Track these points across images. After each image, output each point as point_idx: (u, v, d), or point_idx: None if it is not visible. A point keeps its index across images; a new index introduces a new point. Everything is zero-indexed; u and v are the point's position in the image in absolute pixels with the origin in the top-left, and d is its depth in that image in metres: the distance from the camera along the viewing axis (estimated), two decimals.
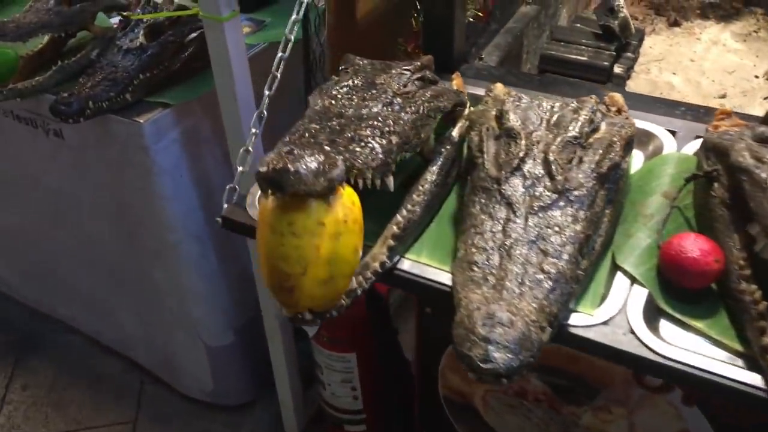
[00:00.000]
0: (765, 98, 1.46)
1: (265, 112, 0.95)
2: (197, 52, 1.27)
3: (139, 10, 1.28)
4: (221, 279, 1.40)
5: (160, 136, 1.22)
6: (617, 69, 1.52)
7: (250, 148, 0.95)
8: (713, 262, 0.76)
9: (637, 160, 0.97)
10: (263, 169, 0.63)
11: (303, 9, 0.96)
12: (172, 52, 1.27)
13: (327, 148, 0.73)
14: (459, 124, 0.94)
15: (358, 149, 0.74)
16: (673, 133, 0.99)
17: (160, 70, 1.25)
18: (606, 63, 1.51)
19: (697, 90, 1.54)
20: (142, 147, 1.21)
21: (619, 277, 0.81)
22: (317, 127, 0.78)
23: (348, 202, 0.69)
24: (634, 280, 0.80)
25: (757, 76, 1.53)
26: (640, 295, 0.79)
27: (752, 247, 0.75)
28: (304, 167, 0.63)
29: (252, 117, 0.96)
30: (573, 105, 0.88)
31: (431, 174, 0.87)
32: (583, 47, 1.54)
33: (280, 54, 0.95)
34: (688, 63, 1.62)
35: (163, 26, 1.28)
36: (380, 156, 0.75)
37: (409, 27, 1.16)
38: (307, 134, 0.76)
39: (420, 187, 0.85)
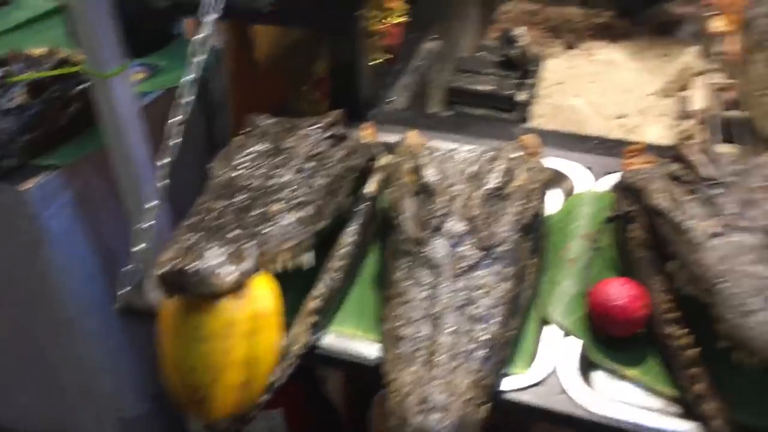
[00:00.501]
0: (660, 115, 1.50)
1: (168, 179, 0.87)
2: (85, 106, 1.17)
3: (13, 67, 1.17)
4: (129, 350, 1.30)
5: (49, 202, 1.12)
6: (521, 96, 1.53)
7: (148, 225, 0.87)
8: (640, 308, 0.76)
9: (554, 198, 0.97)
10: (161, 270, 0.56)
11: (200, 51, 0.89)
12: (57, 108, 1.17)
13: (234, 232, 0.66)
14: (373, 179, 0.91)
15: (268, 229, 0.69)
16: (588, 167, 0.99)
17: (44, 129, 1.15)
18: (510, 91, 1.52)
19: (598, 111, 1.57)
20: (29, 215, 1.10)
21: (550, 330, 0.79)
22: (221, 206, 0.71)
23: (262, 292, 0.64)
24: (565, 330, 0.79)
25: (651, 94, 1.57)
26: (572, 347, 0.77)
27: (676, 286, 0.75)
28: (208, 264, 0.57)
29: (150, 176, 0.88)
30: (489, 154, 0.86)
31: (349, 235, 0.83)
32: (488, 77, 1.54)
33: (178, 102, 0.87)
34: (588, 85, 1.66)
35: (45, 81, 1.18)
36: (294, 233, 0.70)
37: (314, 73, 1.12)
38: (209, 217, 0.69)
39: (338, 252, 0.81)
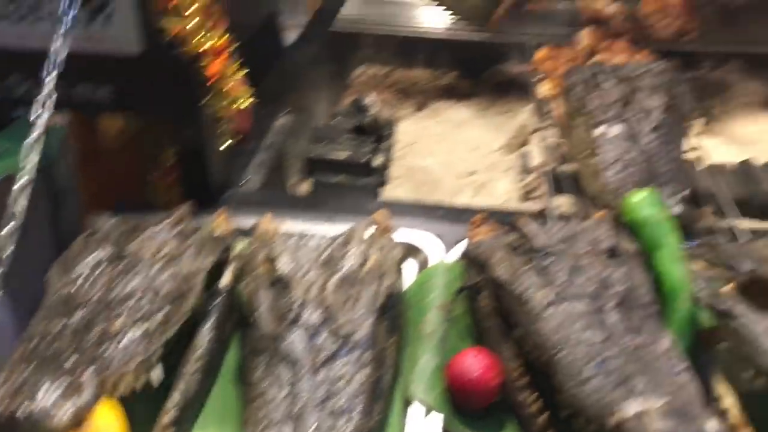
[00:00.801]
0: (506, 170, 1.59)
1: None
2: None
3: None
4: None
5: None
6: (377, 161, 1.58)
7: None
8: (494, 378, 0.79)
9: (410, 270, 1.00)
10: None
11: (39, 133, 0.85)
12: None
13: (71, 359, 0.63)
14: (228, 271, 0.90)
15: (109, 351, 0.66)
16: (438, 237, 1.04)
17: None
18: (366, 157, 1.56)
19: (449, 170, 1.64)
20: None
21: (415, 408, 0.81)
22: (57, 327, 0.68)
23: (105, 422, 0.61)
24: (428, 407, 0.81)
25: (497, 150, 1.67)
26: (435, 423, 0.79)
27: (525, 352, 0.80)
28: (41, 406, 0.54)
29: None
30: (342, 238, 0.88)
31: (205, 335, 0.81)
32: (344, 144, 1.58)
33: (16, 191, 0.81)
34: (438, 144, 1.73)
35: None
36: (139, 350, 0.67)
37: (163, 160, 1.09)
38: (44, 342, 0.66)
39: (194, 354, 0.79)
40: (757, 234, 1.02)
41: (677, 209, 0.95)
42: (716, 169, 1.43)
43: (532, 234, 0.83)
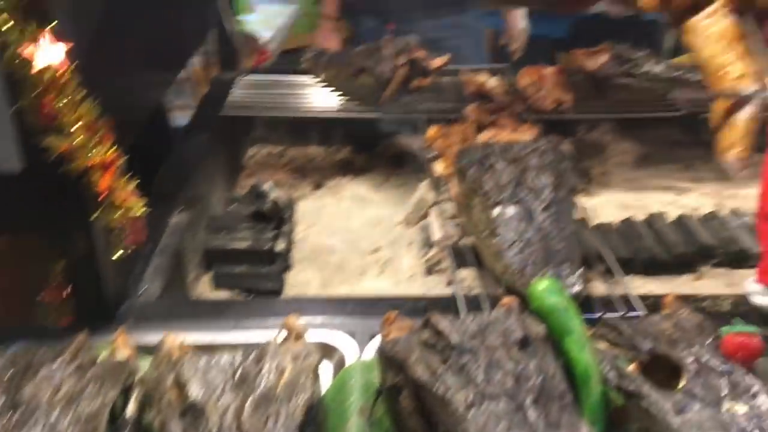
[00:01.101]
0: (409, 244, 1.61)
1: None
2: None
3: None
4: None
5: None
6: (279, 246, 1.56)
7: None
8: None
9: (326, 372, 0.98)
10: None
11: None
12: None
13: None
14: (133, 397, 0.84)
15: None
16: (351, 334, 1.03)
17: None
18: (268, 244, 1.53)
19: (354, 248, 1.64)
20: None
21: None
22: None
23: None
24: None
25: (398, 224, 1.69)
26: None
27: None
28: None
29: None
30: (255, 353, 0.85)
31: None
32: (244, 232, 1.55)
33: None
34: (340, 222, 1.74)
35: None
36: None
37: (52, 277, 1.03)
38: None
39: None
40: (647, 300, 1.08)
41: (577, 288, 0.99)
42: (601, 229, 1.52)
43: (447, 331, 0.84)
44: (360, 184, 1.89)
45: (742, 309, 1.03)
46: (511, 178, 1.17)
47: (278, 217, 1.60)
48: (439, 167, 1.44)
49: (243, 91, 1.89)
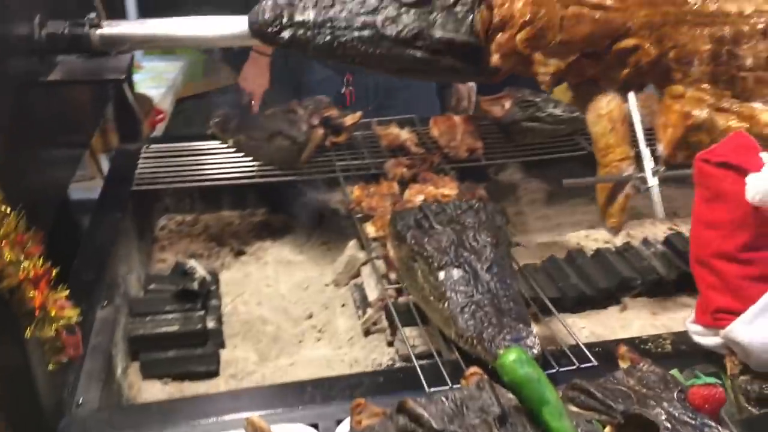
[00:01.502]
0: (343, 306, 1.59)
1: None
2: None
3: None
4: None
5: None
6: (210, 324, 1.49)
7: None
8: None
9: None
10: None
11: None
12: None
13: None
14: None
15: None
16: (315, 426, 0.99)
17: None
18: (197, 324, 1.46)
19: (286, 316, 1.60)
20: None
21: None
22: None
23: None
24: None
25: (328, 285, 1.66)
26: None
27: None
28: None
29: None
30: None
31: None
32: (170, 314, 1.47)
33: None
34: (267, 289, 1.69)
35: None
36: None
37: None
38: None
39: None
40: (594, 349, 1.11)
41: (536, 350, 1.01)
42: (527, 270, 1.57)
43: (425, 417, 0.82)
44: (282, 247, 1.85)
45: (683, 348, 1.09)
46: (451, 240, 1.18)
47: (203, 292, 1.53)
48: (371, 229, 1.43)
49: (150, 162, 1.81)
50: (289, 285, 1.70)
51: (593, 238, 1.79)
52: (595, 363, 1.05)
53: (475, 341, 1.04)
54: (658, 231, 1.81)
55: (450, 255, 1.16)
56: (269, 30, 1.25)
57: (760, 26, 1.21)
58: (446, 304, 1.11)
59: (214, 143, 1.89)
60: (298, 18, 1.24)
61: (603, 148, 1.33)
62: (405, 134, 1.83)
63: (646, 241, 1.69)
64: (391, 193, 1.52)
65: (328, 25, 1.23)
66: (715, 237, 0.95)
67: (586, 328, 1.48)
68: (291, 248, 1.84)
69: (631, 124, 1.30)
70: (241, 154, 1.81)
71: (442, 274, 1.14)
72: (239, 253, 1.81)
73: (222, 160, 1.83)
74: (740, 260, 0.93)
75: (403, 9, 1.22)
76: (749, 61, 1.21)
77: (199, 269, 1.49)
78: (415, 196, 1.48)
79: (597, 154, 1.37)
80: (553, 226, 1.85)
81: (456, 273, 1.13)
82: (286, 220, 1.94)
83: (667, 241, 1.67)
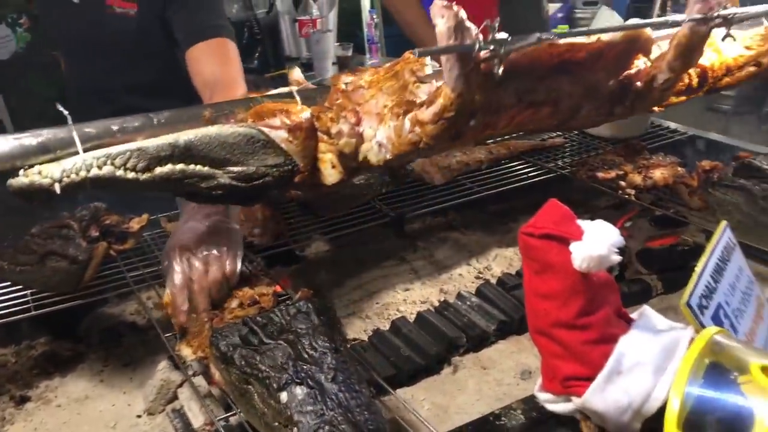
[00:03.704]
0: None
1: None
2: None
3: None
4: None
5: None
6: None
7: None
8: None
9: None
10: None
11: None
12: None
13: None
14: None
15: None
16: None
17: None
18: None
19: None
20: None
21: None
22: None
23: None
24: None
25: (141, 416, 1.46)
26: None
27: None
28: None
29: None
30: None
31: None
32: None
33: None
34: None
35: None
36: None
37: None
38: None
39: None
40: None
41: None
42: (356, 349, 1.51)
43: None
44: (76, 380, 1.58)
45: (534, 415, 1.10)
46: (287, 353, 1.07)
47: None
48: (185, 351, 1.27)
49: None
50: (94, 426, 1.45)
51: (411, 301, 1.79)
52: None
53: None
54: (467, 282, 1.86)
55: (289, 371, 1.05)
56: None
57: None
58: (295, 430, 0.99)
59: None
60: None
61: None
62: None
63: (460, 296, 1.72)
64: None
65: None
66: (551, 307, 0.97)
67: (426, 399, 1.45)
68: (87, 380, 1.58)
69: None
70: (7, 283, 1.53)
71: (284, 396, 1.03)
72: (22, 401, 1.52)
73: None
74: (578, 326, 0.95)
75: None
76: None
77: None
78: (230, 302, 1.34)
79: None
80: (371, 294, 1.82)
81: (300, 391, 1.02)
82: (75, 346, 1.67)
83: (479, 293, 1.72)
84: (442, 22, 0.98)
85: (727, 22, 1.31)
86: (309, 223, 1.83)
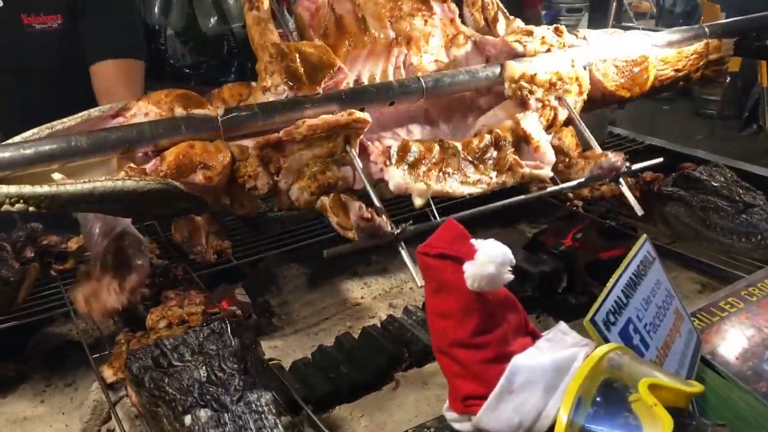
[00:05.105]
0: None
1: None
2: None
3: None
4: None
5: None
6: None
7: None
8: None
9: None
10: None
11: None
12: None
13: None
14: None
15: None
16: None
17: None
18: None
19: None
20: None
21: None
22: None
23: None
24: None
25: None
26: None
27: None
28: None
29: None
30: None
31: None
32: None
33: None
34: None
35: None
36: None
37: None
38: None
39: None
40: None
41: None
42: (297, 367, 1.50)
43: None
44: (16, 401, 1.57)
45: None
46: (195, 376, 1.07)
47: None
48: (107, 372, 1.26)
49: None
50: None
51: (358, 317, 1.78)
52: None
53: None
54: (417, 296, 1.85)
55: (194, 394, 1.04)
56: None
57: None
58: None
59: None
60: None
61: None
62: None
63: (407, 310, 1.71)
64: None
65: None
66: (449, 326, 0.96)
67: (364, 416, 1.44)
68: (28, 400, 1.57)
69: None
70: None
71: (188, 419, 1.02)
72: None
73: None
74: (475, 345, 0.95)
75: None
76: None
77: None
78: (157, 322, 1.34)
79: None
80: (320, 311, 1.81)
81: (204, 414, 1.02)
82: (20, 366, 1.66)
83: (425, 308, 1.71)
84: None
85: None
86: (255, 239, 1.83)
